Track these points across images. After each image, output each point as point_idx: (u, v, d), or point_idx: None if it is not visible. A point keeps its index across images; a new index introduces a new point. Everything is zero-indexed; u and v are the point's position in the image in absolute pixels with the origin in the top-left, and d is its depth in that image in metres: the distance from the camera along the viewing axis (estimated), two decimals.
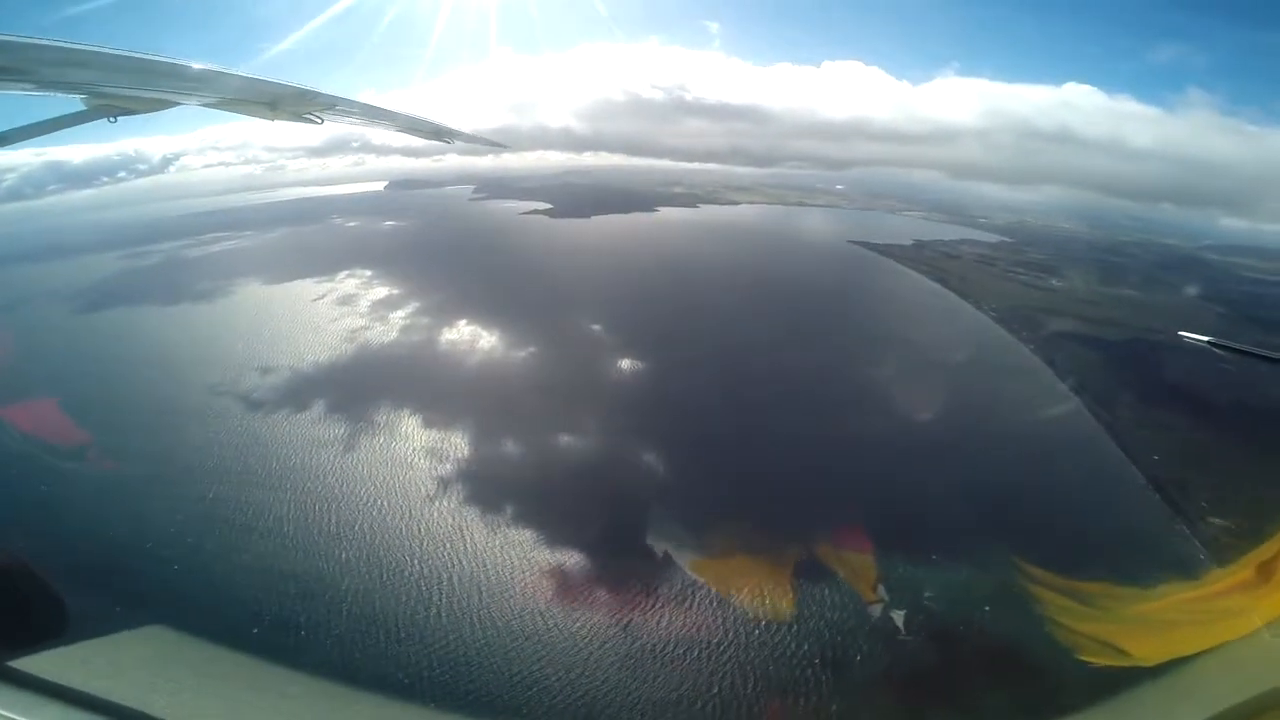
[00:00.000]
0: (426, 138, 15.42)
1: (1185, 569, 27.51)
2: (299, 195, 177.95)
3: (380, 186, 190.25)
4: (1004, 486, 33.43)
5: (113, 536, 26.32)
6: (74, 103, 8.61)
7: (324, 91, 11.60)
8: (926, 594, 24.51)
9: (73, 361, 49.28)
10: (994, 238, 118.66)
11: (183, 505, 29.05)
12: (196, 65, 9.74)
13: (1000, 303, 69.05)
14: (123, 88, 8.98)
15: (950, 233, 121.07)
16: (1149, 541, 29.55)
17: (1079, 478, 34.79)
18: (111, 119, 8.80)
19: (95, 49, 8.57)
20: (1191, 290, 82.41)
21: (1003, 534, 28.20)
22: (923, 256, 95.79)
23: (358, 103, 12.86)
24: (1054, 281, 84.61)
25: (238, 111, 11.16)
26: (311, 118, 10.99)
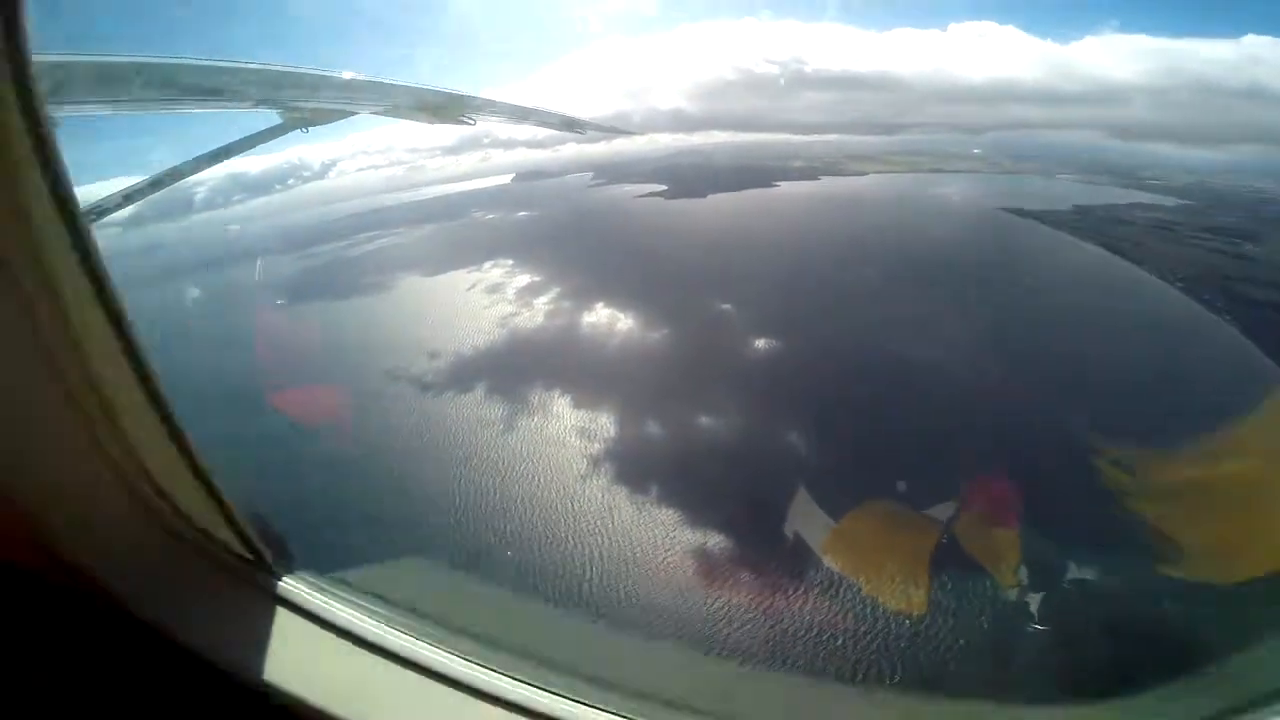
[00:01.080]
0: (559, 130, 15.93)
1: None
2: (440, 192, 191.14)
3: (508, 179, 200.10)
4: None
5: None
6: (271, 118, 9.77)
7: (474, 95, 12.23)
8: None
9: (277, 355, 55.29)
10: (1171, 201, 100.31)
11: (372, 480, 32.18)
12: (370, 79, 10.68)
13: (1189, 272, 58.91)
14: (314, 101, 10.06)
15: (1116, 196, 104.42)
16: None
17: None
18: (304, 130, 9.89)
19: (294, 69, 9.64)
20: None
21: None
22: (1088, 223, 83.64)
23: (503, 103, 13.53)
24: (1250, 248, 70.58)
25: (404, 117, 12.12)
26: (466, 120, 11.69)
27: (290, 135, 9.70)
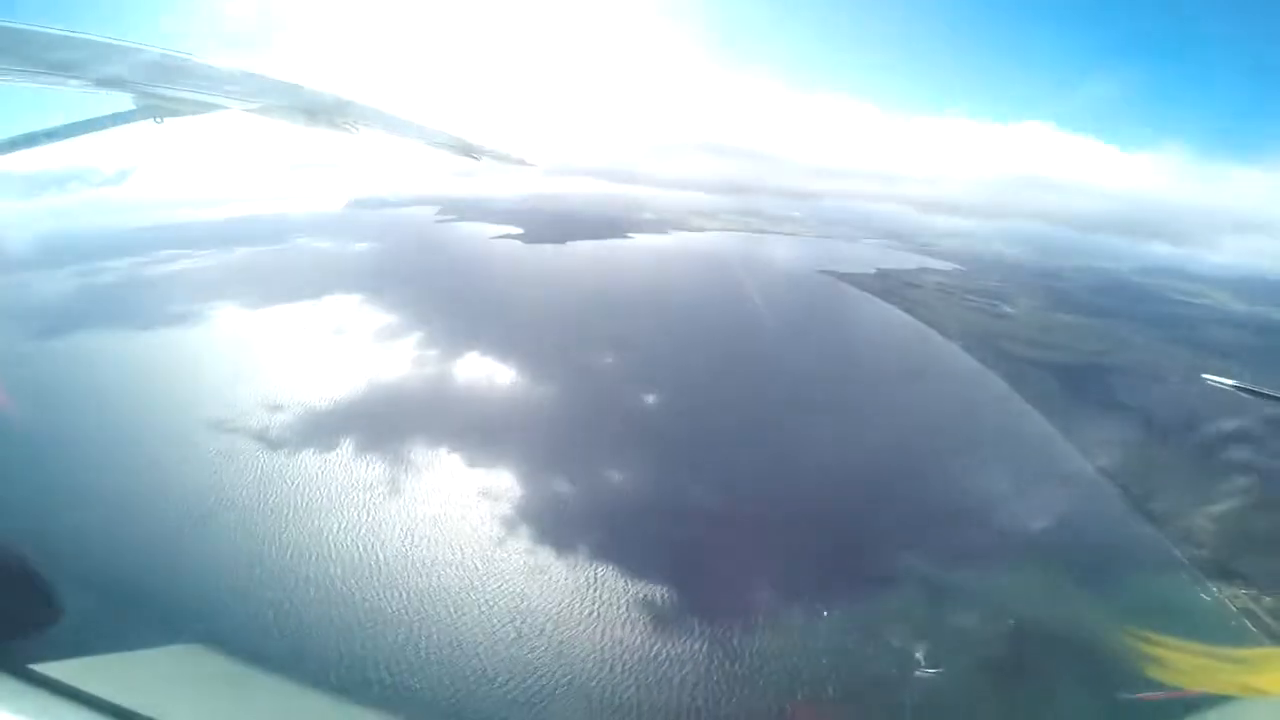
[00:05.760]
0: (451, 152, 15.26)
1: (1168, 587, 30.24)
2: (253, 212, 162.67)
3: (339, 205, 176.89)
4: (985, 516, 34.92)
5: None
6: (122, 101, 8.37)
7: (359, 102, 11.47)
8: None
9: (43, 390, 45.26)
10: (948, 265, 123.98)
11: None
12: (236, 68, 9.56)
13: (967, 333, 71.93)
14: (171, 89, 8.74)
15: (908, 261, 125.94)
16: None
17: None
18: (158, 120, 8.54)
19: (146, 48, 8.34)
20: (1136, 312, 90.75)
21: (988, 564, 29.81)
22: (888, 286, 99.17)
23: (391, 116, 12.73)
24: (1009, 308, 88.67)
25: (275, 117, 10.94)
26: (347, 128, 10.86)
27: (138, 124, 8.48)
